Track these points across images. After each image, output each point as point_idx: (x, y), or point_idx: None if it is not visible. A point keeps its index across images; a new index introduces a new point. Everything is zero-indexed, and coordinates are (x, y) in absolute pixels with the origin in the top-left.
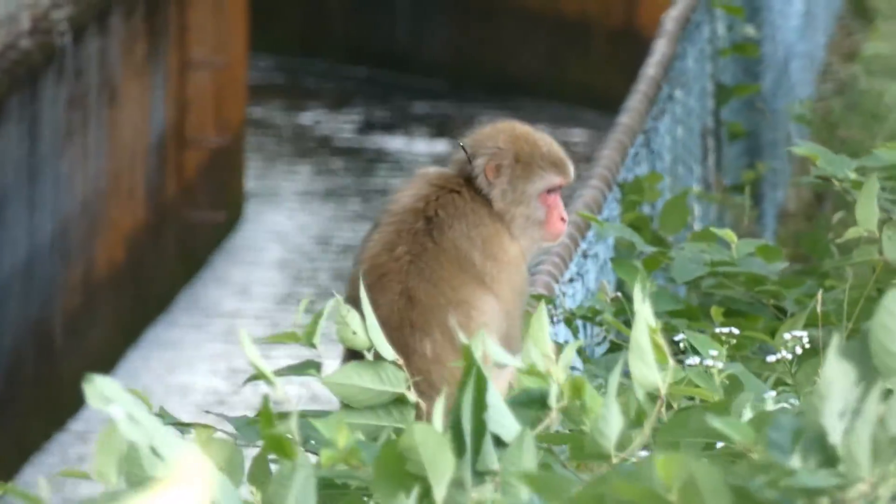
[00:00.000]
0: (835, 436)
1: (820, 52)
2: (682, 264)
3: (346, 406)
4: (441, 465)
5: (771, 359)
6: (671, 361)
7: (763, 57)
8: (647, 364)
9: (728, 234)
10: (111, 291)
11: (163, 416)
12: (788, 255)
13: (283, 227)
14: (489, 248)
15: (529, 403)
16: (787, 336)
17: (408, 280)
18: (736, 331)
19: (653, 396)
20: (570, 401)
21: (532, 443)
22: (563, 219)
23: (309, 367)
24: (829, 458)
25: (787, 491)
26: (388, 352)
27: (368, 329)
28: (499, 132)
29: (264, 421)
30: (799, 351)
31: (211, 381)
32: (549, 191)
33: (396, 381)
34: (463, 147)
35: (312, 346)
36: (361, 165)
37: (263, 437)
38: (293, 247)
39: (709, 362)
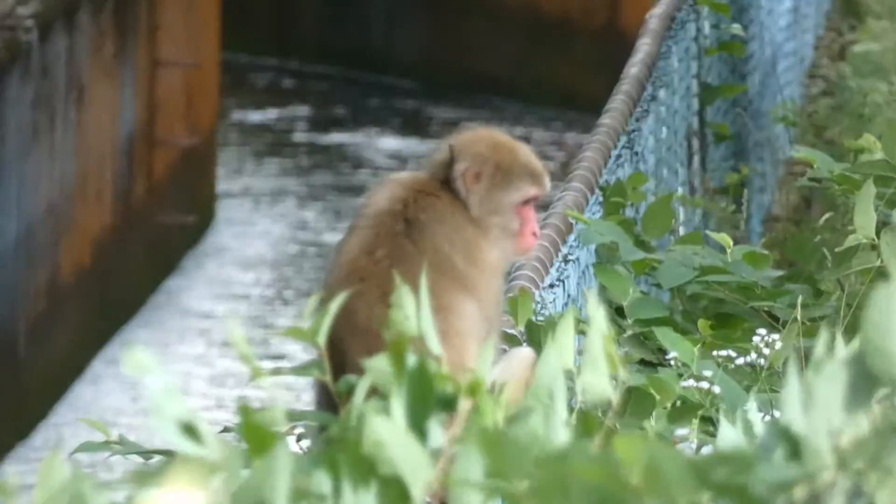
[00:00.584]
0: (799, 428)
1: (809, 51)
2: (670, 268)
3: (379, 395)
4: (415, 462)
5: (740, 361)
6: (623, 372)
7: (750, 56)
8: (598, 373)
9: (723, 237)
10: (77, 296)
11: (123, 443)
12: (776, 259)
13: (256, 229)
14: (470, 252)
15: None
16: (755, 339)
17: (387, 284)
18: (733, 354)
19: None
20: (472, 401)
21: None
22: (534, 233)
23: (313, 367)
24: (795, 450)
25: (751, 484)
26: (435, 345)
27: (421, 318)
28: (480, 138)
29: (244, 417)
30: (767, 352)
31: (185, 386)
32: (525, 202)
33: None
34: (451, 149)
35: (318, 344)
36: (335, 165)
37: (242, 431)
38: (267, 248)
39: (701, 381)
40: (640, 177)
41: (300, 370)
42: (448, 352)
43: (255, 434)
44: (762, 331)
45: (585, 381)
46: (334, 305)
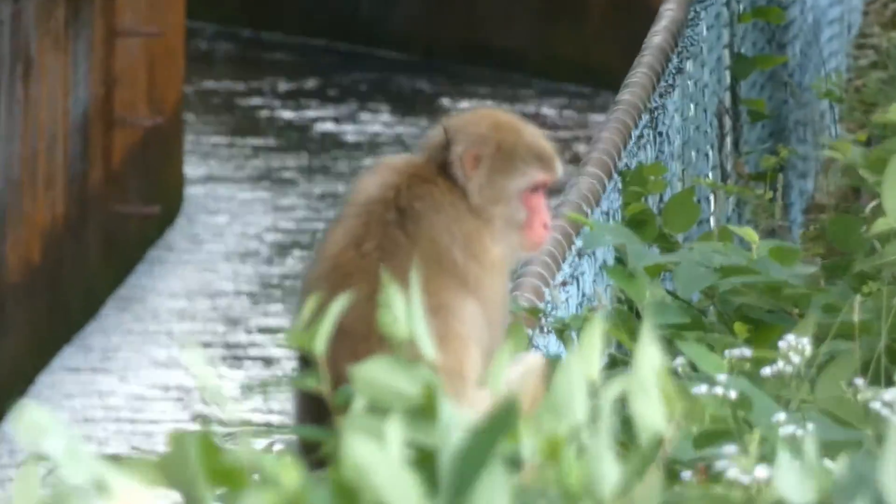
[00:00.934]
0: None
1: (857, 16)
2: (688, 270)
3: (371, 409)
4: (402, 492)
5: (766, 372)
6: (680, 407)
7: (790, 23)
8: (650, 404)
9: (747, 231)
10: (26, 298)
11: None
12: (819, 253)
13: (229, 220)
14: (472, 246)
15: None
16: (782, 344)
17: (377, 281)
18: (747, 352)
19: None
20: (546, 462)
21: (503, 483)
22: (545, 225)
23: (309, 377)
24: None
25: None
26: (430, 350)
27: (413, 320)
28: (481, 118)
29: (204, 448)
30: (797, 360)
31: (149, 403)
32: (533, 189)
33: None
34: (445, 130)
35: (316, 354)
36: (320, 148)
37: (206, 468)
38: (242, 239)
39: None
40: (659, 167)
41: (295, 381)
42: (446, 357)
43: (218, 470)
44: (790, 336)
45: (637, 412)
46: (335, 308)
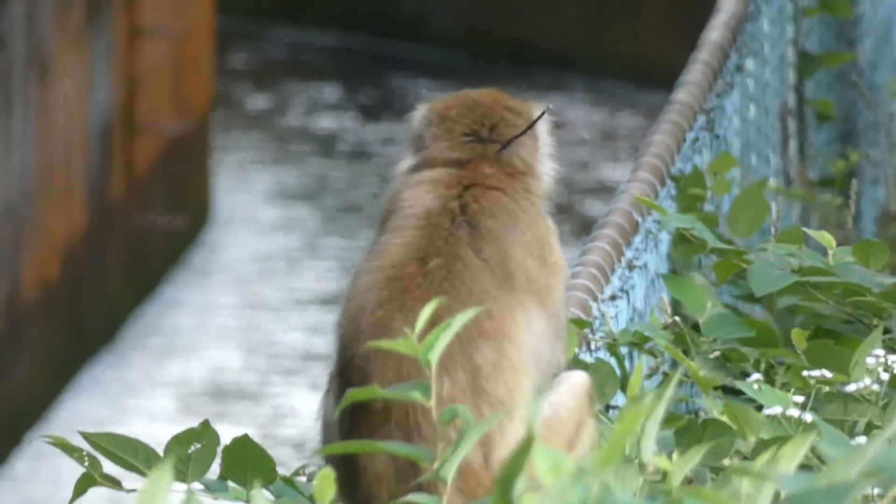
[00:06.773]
0: None
1: None
2: (762, 271)
3: None
4: None
5: (850, 388)
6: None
7: (859, 17)
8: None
9: (823, 235)
10: (42, 317)
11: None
12: (893, 266)
13: (260, 236)
14: (544, 251)
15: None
16: (870, 360)
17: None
18: (828, 374)
19: None
20: None
21: None
22: None
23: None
24: None
25: None
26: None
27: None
28: (489, 96)
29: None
30: (886, 377)
31: (167, 427)
32: None
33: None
34: (544, 114)
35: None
36: (356, 158)
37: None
38: (273, 260)
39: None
40: (727, 159)
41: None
42: (497, 388)
43: None
44: (879, 351)
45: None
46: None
